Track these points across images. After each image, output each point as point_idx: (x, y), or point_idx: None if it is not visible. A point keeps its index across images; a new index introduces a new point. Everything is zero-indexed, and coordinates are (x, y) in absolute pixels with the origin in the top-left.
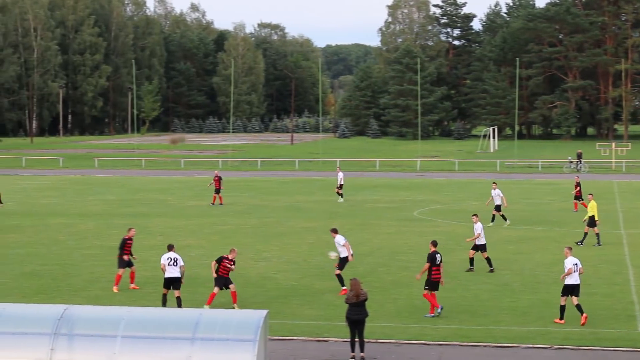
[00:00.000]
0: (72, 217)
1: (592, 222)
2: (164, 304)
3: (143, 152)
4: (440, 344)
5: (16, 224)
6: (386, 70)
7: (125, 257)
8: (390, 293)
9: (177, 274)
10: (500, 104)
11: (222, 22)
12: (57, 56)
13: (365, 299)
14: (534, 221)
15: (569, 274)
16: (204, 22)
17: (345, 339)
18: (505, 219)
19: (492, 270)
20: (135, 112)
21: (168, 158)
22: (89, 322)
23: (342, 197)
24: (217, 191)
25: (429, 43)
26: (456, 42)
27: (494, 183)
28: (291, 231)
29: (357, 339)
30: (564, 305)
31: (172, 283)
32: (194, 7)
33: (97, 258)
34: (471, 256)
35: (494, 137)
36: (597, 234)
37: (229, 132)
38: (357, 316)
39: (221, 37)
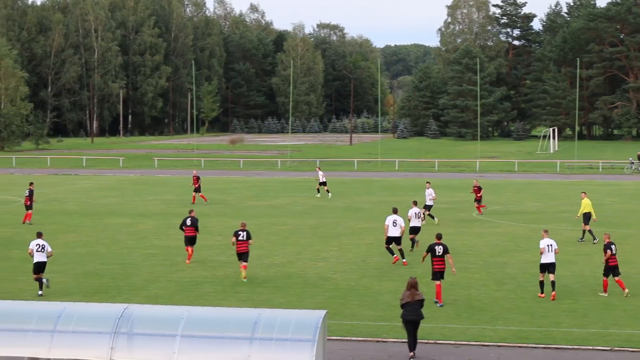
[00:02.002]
0: (132, 217)
1: (586, 218)
2: (40, 287)
3: (202, 152)
4: (499, 346)
5: (77, 224)
6: (445, 70)
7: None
8: (449, 294)
9: (45, 259)
10: (560, 104)
11: (282, 22)
12: (117, 57)
13: (421, 300)
14: (595, 222)
15: (541, 253)
16: (263, 22)
17: (404, 340)
18: (433, 217)
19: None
20: (194, 112)
21: (227, 158)
22: (148, 321)
23: (328, 192)
24: (197, 190)
25: (488, 43)
26: (516, 42)
27: (427, 182)
28: (349, 232)
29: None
30: (542, 281)
31: (42, 267)
32: (254, 8)
33: (157, 257)
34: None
35: (554, 138)
36: (588, 231)
37: (287, 132)
38: (411, 316)
39: (280, 38)
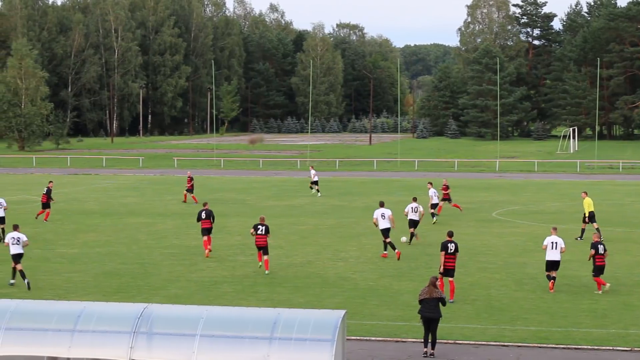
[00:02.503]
0: (151, 217)
1: (591, 217)
2: (13, 276)
3: (222, 152)
4: (519, 346)
5: (96, 223)
6: (465, 70)
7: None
8: (468, 294)
9: (21, 251)
10: (580, 104)
11: (301, 22)
12: (137, 57)
13: (439, 298)
14: (615, 222)
15: (544, 249)
16: (283, 22)
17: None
18: (433, 216)
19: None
20: (214, 112)
21: (247, 158)
22: (168, 320)
23: (318, 192)
24: (190, 190)
25: (508, 43)
26: (536, 42)
27: (429, 183)
28: (369, 232)
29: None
30: (549, 275)
31: (18, 258)
32: (273, 8)
33: (176, 257)
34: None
35: (574, 138)
36: (583, 230)
37: (307, 132)
38: (429, 314)
39: (300, 38)
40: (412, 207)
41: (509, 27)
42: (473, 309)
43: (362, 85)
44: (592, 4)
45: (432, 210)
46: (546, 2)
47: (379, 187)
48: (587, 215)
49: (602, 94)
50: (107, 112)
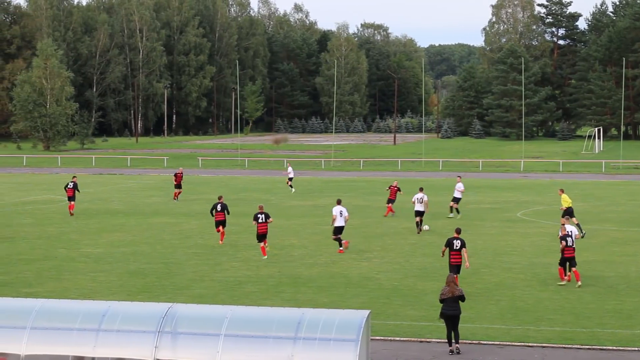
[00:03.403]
0: (176, 216)
1: (570, 212)
2: None
3: (246, 152)
4: (544, 346)
5: (121, 223)
6: (490, 70)
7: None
8: (493, 294)
9: None
10: (605, 104)
11: (326, 22)
12: (162, 57)
13: (460, 296)
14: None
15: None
16: (307, 22)
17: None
18: (458, 212)
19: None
20: (238, 112)
21: (271, 158)
22: (192, 320)
23: (292, 188)
24: (178, 186)
25: (533, 43)
26: (561, 42)
27: (458, 176)
28: (393, 231)
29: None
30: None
31: None
32: (298, 8)
33: (201, 257)
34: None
35: (599, 138)
36: (576, 225)
37: (331, 132)
38: (451, 312)
39: (324, 38)
40: (417, 198)
41: (534, 27)
42: (497, 309)
43: (386, 85)
44: (618, 3)
45: (453, 204)
46: (571, 2)
47: (403, 188)
48: (564, 210)
49: (628, 94)
50: (132, 112)
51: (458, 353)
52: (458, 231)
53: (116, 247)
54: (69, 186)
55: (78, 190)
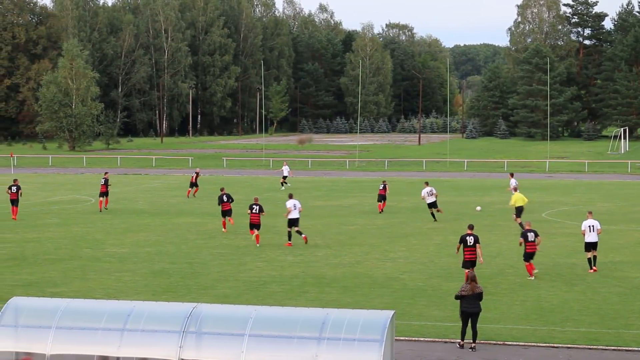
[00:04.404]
0: (200, 216)
1: (519, 211)
2: None
3: (271, 152)
4: (569, 347)
5: (146, 223)
6: (515, 70)
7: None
8: (518, 295)
9: None
10: (631, 104)
11: (351, 22)
12: (187, 57)
13: (480, 293)
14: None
15: (583, 234)
16: (332, 22)
17: (469, 340)
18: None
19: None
20: (263, 112)
21: (296, 158)
22: (217, 320)
23: (283, 185)
24: (193, 185)
25: (559, 43)
26: (587, 42)
27: (510, 174)
28: (417, 232)
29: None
30: (589, 258)
31: None
32: (323, 8)
33: (225, 257)
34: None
35: (625, 138)
36: (519, 224)
37: (356, 132)
38: (472, 309)
39: (349, 38)
40: (427, 192)
41: (560, 27)
42: (522, 309)
43: (411, 86)
44: None
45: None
46: (597, 2)
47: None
48: (516, 209)
49: None
50: (157, 112)
51: (473, 350)
52: (471, 227)
53: (141, 247)
54: (101, 182)
55: (107, 186)
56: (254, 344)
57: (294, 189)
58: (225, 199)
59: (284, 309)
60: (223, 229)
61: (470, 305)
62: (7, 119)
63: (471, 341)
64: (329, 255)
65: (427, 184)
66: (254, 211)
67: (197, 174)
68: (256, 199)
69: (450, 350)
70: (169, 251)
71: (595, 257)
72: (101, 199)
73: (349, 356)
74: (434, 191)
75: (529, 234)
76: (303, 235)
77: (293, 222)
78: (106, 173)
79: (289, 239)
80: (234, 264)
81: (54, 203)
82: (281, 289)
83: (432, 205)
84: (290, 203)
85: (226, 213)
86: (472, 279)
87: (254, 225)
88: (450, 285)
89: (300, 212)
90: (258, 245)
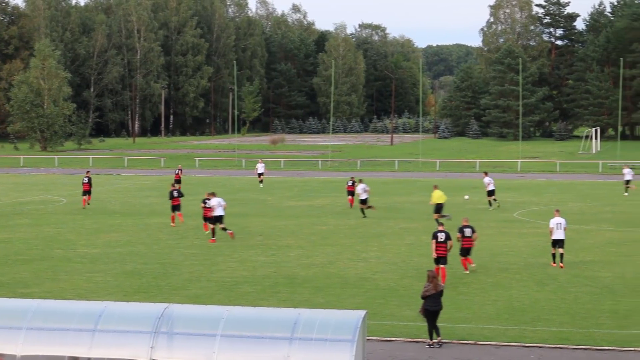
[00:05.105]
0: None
1: (439, 208)
2: None
3: (243, 152)
4: (540, 347)
5: (118, 223)
6: (487, 70)
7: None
8: (489, 295)
9: None
10: (603, 104)
11: (323, 22)
12: (159, 57)
13: (442, 291)
14: (637, 223)
15: (551, 232)
16: (305, 23)
17: (444, 340)
18: (495, 201)
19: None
20: (236, 112)
21: (268, 158)
22: (188, 320)
23: (261, 183)
24: (177, 182)
25: (531, 43)
26: (559, 42)
27: (484, 172)
28: (390, 232)
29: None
30: (554, 254)
31: None
32: (296, 8)
33: (197, 257)
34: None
35: (596, 138)
36: (435, 219)
37: (328, 132)
38: (435, 307)
39: (322, 38)
40: (487, 181)
41: (532, 27)
42: (494, 309)
43: (384, 86)
44: (616, 3)
45: (490, 198)
46: (569, 2)
47: (400, 188)
48: (435, 206)
49: (625, 94)
50: (129, 112)
51: (440, 346)
52: (441, 224)
53: (113, 248)
54: (84, 181)
55: (91, 185)
56: (226, 344)
57: (272, 190)
58: (175, 194)
59: (256, 309)
60: (171, 224)
61: (433, 304)
62: None
63: (439, 338)
64: (301, 255)
65: (486, 173)
66: (206, 205)
67: (181, 170)
68: (210, 194)
69: (422, 350)
70: (140, 251)
71: (562, 254)
72: (84, 197)
73: (320, 356)
74: (491, 181)
75: (465, 229)
76: (229, 231)
77: (217, 219)
78: (88, 172)
79: (213, 236)
80: (206, 264)
81: (25, 203)
82: (253, 289)
83: (491, 193)
84: (214, 201)
85: (175, 208)
86: (433, 277)
87: (208, 219)
88: (422, 286)
89: (224, 209)
90: (207, 232)
